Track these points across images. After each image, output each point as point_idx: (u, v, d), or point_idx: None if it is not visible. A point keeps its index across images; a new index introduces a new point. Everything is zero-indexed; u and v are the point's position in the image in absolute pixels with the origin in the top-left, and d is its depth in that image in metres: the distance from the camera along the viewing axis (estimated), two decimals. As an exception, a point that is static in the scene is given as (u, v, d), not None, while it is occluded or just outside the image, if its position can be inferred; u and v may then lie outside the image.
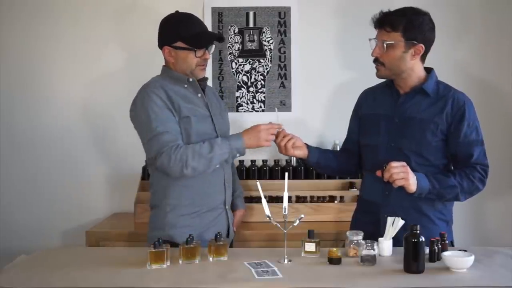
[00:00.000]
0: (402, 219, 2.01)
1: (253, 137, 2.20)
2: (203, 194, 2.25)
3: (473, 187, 2.12)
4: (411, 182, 2.05)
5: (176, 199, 2.24)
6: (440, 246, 1.96)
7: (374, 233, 2.07)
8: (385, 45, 2.12)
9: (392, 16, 2.12)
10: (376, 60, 2.18)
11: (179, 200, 2.23)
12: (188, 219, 2.23)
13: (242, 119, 2.63)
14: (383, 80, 2.28)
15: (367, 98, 2.35)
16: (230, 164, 2.41)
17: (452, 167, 2.21)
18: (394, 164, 2.04)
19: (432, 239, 1.96)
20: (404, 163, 2.07)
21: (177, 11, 2.30)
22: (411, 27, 2.10)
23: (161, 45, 2.29)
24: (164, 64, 2.32)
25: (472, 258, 1.85)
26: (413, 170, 2.08)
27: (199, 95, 2.30)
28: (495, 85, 3.22)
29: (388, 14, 2.14)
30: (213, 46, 2.32)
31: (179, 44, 2.23)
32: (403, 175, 2.04)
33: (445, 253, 1.89)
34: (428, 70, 2.23)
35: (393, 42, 2.11)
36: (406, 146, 2.16)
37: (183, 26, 2.24)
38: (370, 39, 2.19)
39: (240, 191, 2.56)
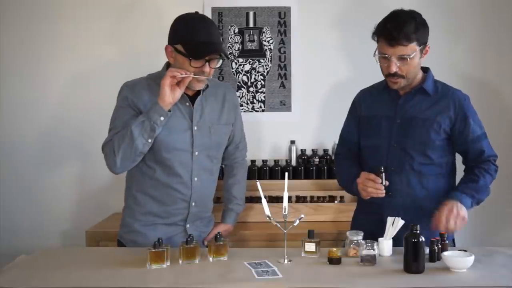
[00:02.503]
0: (403, 219, 2.00)
1: (160, 92, 2.08)
2: (161, 208, 2.22)
3: (492, 179, 2.18)
4: (464, 215, 2.02)
5: (134, 204, 2.25)
6: (440, 246, 1.96)
7: (376, 234, 2.06)
8: (408, 58, 2.08)
9: (403, 29, 2.05)
10: (394, 74, 2.11)
11: (136, 206, 2.24)
12: (141, 226, 2.24)
13: (242, 120, 2.63)
14: (381, 79, 2.27)
15: (365, 99, 2.33)
16: (204, 181, 2.26)
17: (463, 163, 2.25)
18: (443, 217, 2.00)
19: (432, 239, 1.96)
20: (450, 209, 2.01)
21: (196, 12, 2.17)
22: (420, 32, 2.09)
23: (168, 42, 2.17)
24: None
25: (472, 258, 1.84)
26: (416, 169, 2.10)
27: (187, 103, 2.20)
28: (493, 83, 3.21)
29: (398, 28, 2.05)
30: (219, 61, 2.16)
31: (179, 47, 2.11)
32: (458, 221, 2.01)
33: (445, 253, 1.89)
34: (425, 70, 2.23)
35: (414, 54, 2.08)
36: (410, 146, 2.16)
37: (188, 29, 2.10)
38: (384, 56, 2.10)
39: (235, 204, 2.40)
